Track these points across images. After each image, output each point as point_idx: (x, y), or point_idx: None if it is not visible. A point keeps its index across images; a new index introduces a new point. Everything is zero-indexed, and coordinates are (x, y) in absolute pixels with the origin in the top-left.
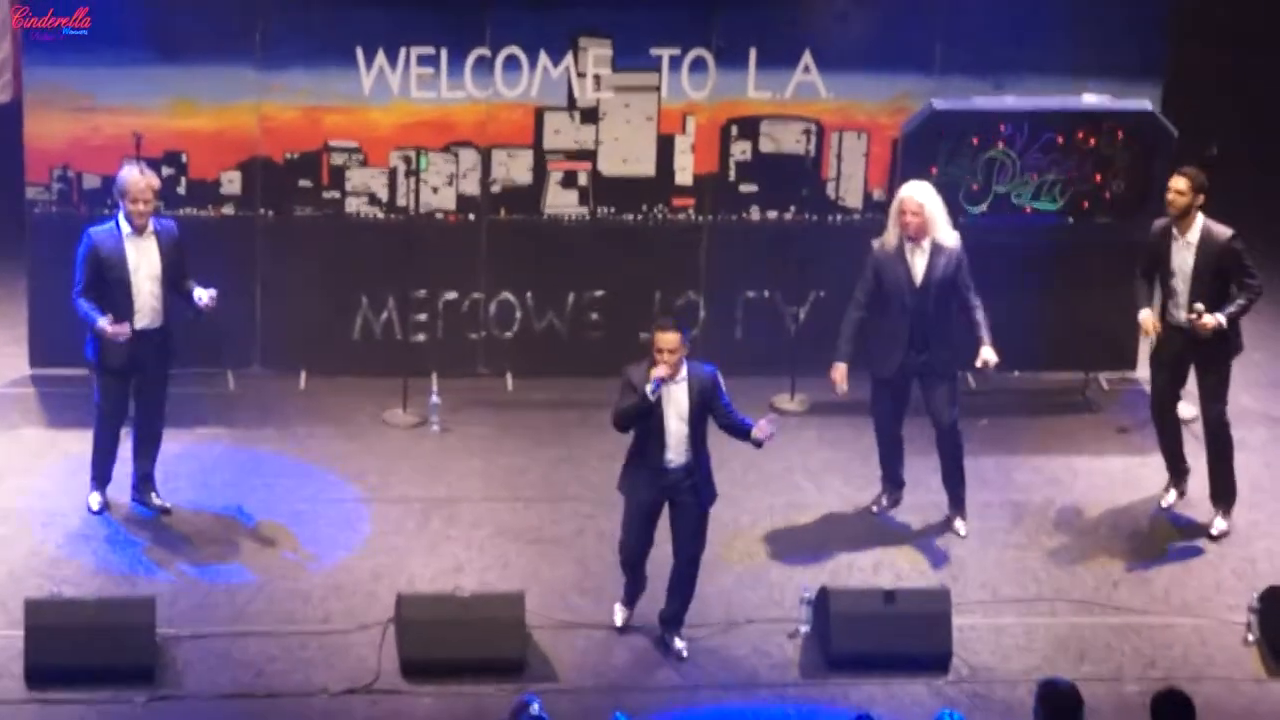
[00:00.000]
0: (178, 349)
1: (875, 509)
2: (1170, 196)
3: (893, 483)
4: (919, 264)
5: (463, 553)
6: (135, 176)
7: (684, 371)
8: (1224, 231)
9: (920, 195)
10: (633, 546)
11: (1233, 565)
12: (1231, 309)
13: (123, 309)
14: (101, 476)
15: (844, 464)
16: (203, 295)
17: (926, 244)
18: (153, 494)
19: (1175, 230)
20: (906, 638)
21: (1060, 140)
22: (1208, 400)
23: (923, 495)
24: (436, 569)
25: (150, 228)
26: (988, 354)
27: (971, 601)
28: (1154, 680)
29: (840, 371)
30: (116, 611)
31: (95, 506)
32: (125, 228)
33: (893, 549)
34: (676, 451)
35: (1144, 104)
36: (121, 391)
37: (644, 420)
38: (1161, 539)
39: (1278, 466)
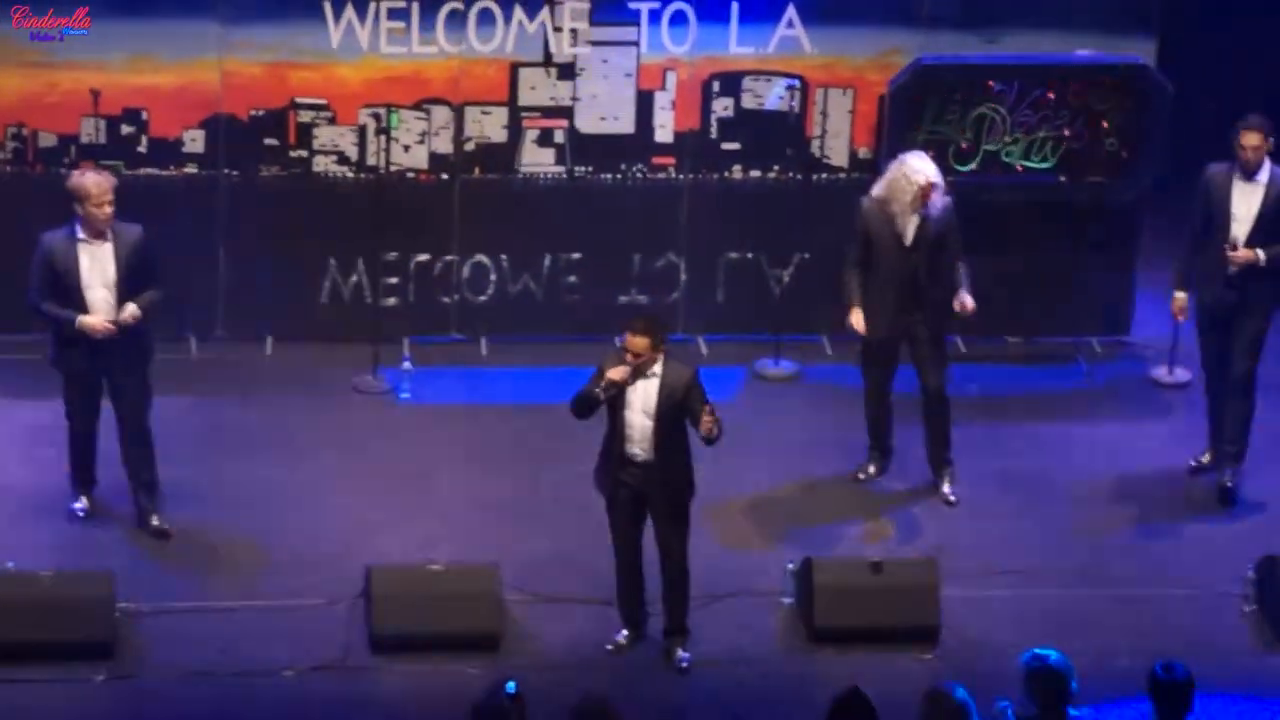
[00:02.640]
0: (151, 347)
1: (862, 476)
2: (1248, 155)
3: (880, 450)
4: (910, 224)
5: (435, 524)
6: (94, 179)
7: (659, 368)
8: None
9: (928, 169)
10: (617, 548)
11: (1228, 536)
12: (1276, 249)
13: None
14: (82, 480)
15: (829, 431)
16: (124, 314)
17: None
18: (152, 515)
19: (1242, 174)
20: (893, 609)
21: (1052, 96)
22: (1238, 355)
23: (911, 464)
24: (408, 541)
25: (107, 233)
26: (965, 299)
27: (960, 572)
28: (1147, 653)
29: (857, 315)
30: (74, 585)
31: (79, 511)
32: (81, 233)
33: (880, 518)
34: (641, 446)
35: (1138, 57)
36: (87, 396)
37: (594, 411)
38: (1155, 508)
39: (1273, 434)
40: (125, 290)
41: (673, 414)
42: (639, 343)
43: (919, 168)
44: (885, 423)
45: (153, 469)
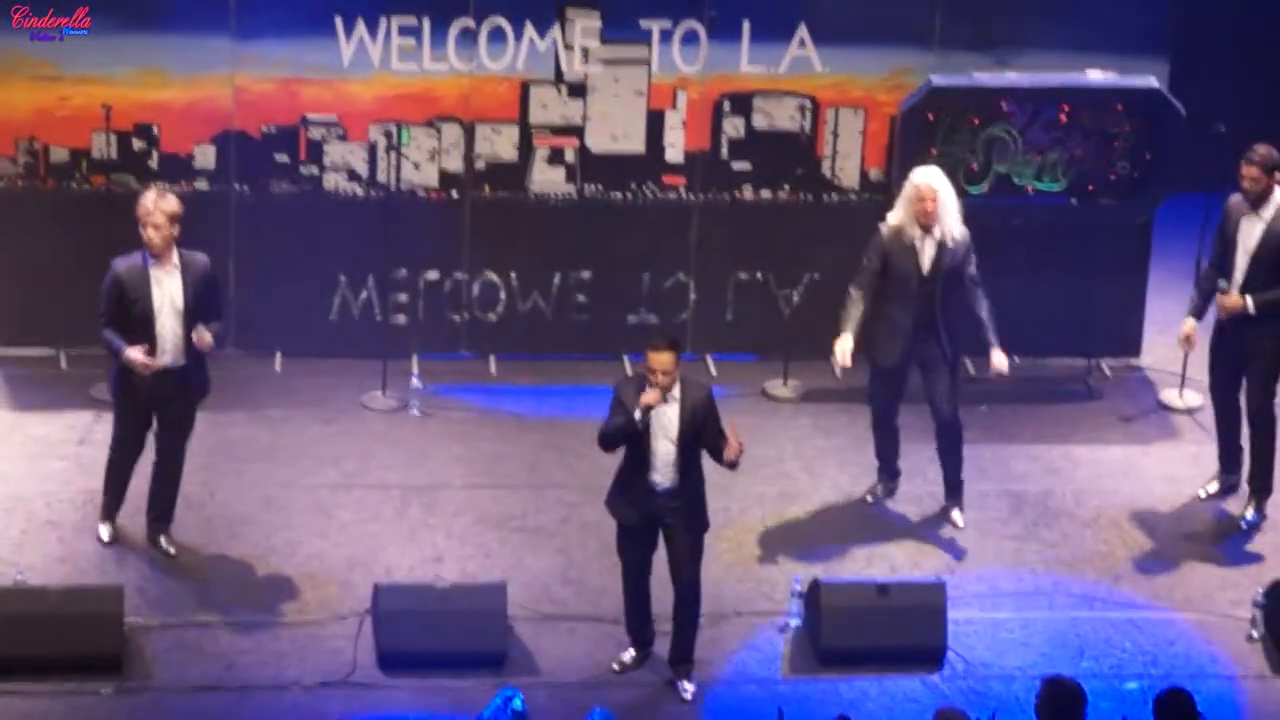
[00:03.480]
0: (206, 386)
1: (870, 498)
2: (1246, 186)
3: (888, 473)
4: (928, 252)
5: (443, 541)
6: (147, 198)
7: (677, 391)
8: None
9: (937, 182)
10: (626, 569)
11: (1236, 560)
12: (1267, 295)
13: (143, 345)
14: (111, 508)
15: (838, 452)
16: (201, 335)
17: (937, 232)
18: (163, 537)
19: (1249, 205)
20: (900, 632)
21: (1064, 119)
22: (1252, 392)
23: (919, 485)
24: (415, 558)
25: (174, 259)
26: (999, 360)
27: (968, 595)
28: (1154, 677)
29: (843, 345)
30: (83, 600)
31: (105, 538)
32: (150, 259)
33: (887, 540)
34: (663, 474)
35: (1150, 81)
36: (139, 427)
37: (626, 443)
38: (1164, 531)
39: None
40: (193, 318)
41: (694, 437)
42: (665, 359)
43: (918, 179)
44: (893, 446)
45: (175, 495)
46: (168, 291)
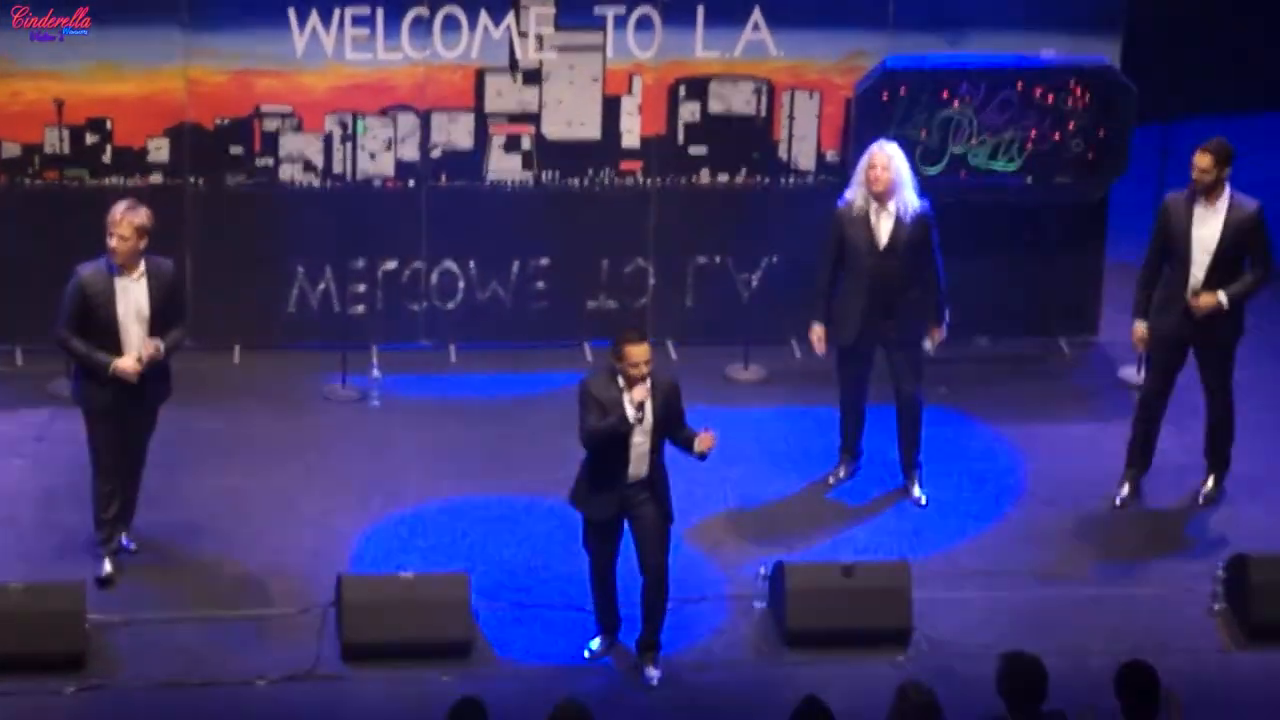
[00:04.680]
0: (171, 384)
1: (832, 480)
2: (1195, 175)
3: (850, 453)
4: (884, 226)
5: (406, 532)
6: (118, 207)
7: (647, 384)
8: (1250, 202)
9: (889, 151)
10: (595, 564)
11: (1196, 534)
12: (1236, 288)
13: (108, 352)
14: (110, 538)
15: (800, 435)
16: (152, 348)
17: (892, 206)
18: (124, 534)
19: (1201, 200)
20: (865, 612)
21: (1018, 98)
22: (1216, 380)
23: (881, 467)
24: (378, 549)
25: (141, 268)
26: (935, 334)
27: (932, 575)
28: (1119, 653)
29: (816, 333)
30: (44, 597)
31: (104, 575)
32: (115, 266)
33: (851, 521)
34: (637, 467)
35: (1103, 58)
36: (116, 436)
37: (613, 440)
38: (1124, 508)
39: (1241, 434)
40: (157, 325)
41: (665, 428)
42: (644, 350)
43: (872, 147)
44: (857, 427)
45: (137, 493)
46: (133, 299)
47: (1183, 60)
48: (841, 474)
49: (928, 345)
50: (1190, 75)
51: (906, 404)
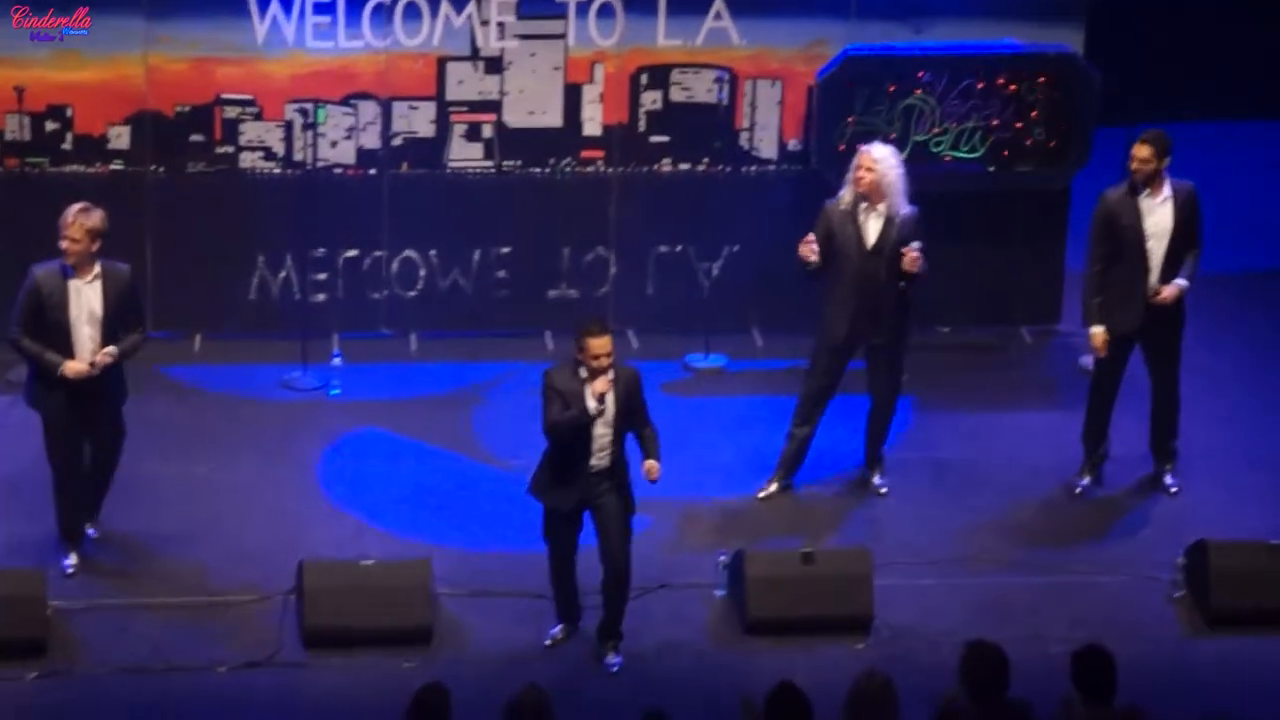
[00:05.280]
0: (125, 388)
1: (762, 495)
2: (1135, 166)
3: (787, 468)
4: (872, 227)
5: (366, 518)
6: (70, 210)
7: (610, 374)
8: (1187, 184)
9: (878, 153)
10: (555, 554)
11: (1157, 521)
12: (1189, 271)
13: (60, 353)
14: (70, 533)
15: (760, 423)
16: (103, 355)
17: (883, 208)
18: (88, 523)
19: (1140, 189)
20: (826, 600)
21: (980, 86)
22: (1165, 369)
23: (842, 454)
24: (339, 536)
25: (96, 270)
26: (913, 249)
27: (892, 562)
28: (1078, 640)
29: (808, 246)
30: (4, 583)
31: (70, 569)
32: (70, 268)
33: (811, 509)
34: (599, 458)
35: (1066, 46)
36: (68, 437)
37: (579, 432)
38: (1085, 496)
39: (1200, 420)
40: (110, 329)
41: (627, 420)
42: (604, 342)
43: (862, 148)
44: (808, 434)
45: (106, 491)
46: (86, 302)
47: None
48: (773, 489)
49: (904, 263)
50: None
51: (882, 405)
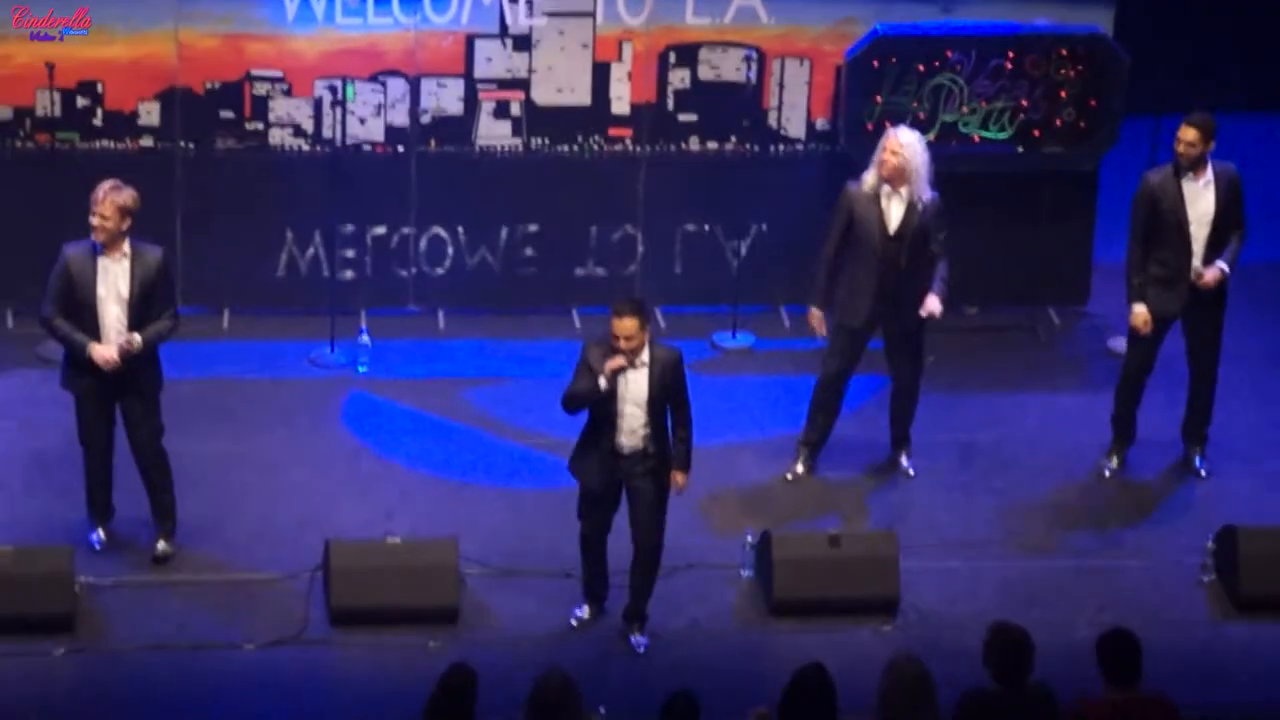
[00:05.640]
0: (159, 376)
1: (790, 477)
2: (1182, 149)
3: (811, 446)
4: (895, 212)
5: (393, 498)
6: (102, 186)
7: (646, 356)
8: (1229, 165)
9: (904, 137)
10: (586, 533)
11: (1186, 506)
12: (1231, 255)
13: (87, 332)
14: (97, 510)
15: (788, 403)
16: (130, 341)
17: (905, 192)
18: (159, 539)
19: (1185, 172)
20: (852, 582)
21: (1009, 66)
22: (1205, 354)
23: (870, 435)
24: (366, 515)
25: (125, 249)
26: (932, 303)
27: (919, 545)
28: (1105, 624)
29: (815, 317)
30: (33, 560)
31: (96, 544)
32: (99, 247)
33: (838, 491)
34: (630, 438)
35: (1096, 27)
36: (98, 419)
37: (584, 407)
38: (1113, 479)
39: (1228, 404)
40: (138, 311)
41: (663, 402)
42: (628, 325)
43: (889, 131)
44: (831, 415)
45: (168, 492)
46: (114, 281)
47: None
48: (800, 470)
49: (922, 312)
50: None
51: (903, 390)
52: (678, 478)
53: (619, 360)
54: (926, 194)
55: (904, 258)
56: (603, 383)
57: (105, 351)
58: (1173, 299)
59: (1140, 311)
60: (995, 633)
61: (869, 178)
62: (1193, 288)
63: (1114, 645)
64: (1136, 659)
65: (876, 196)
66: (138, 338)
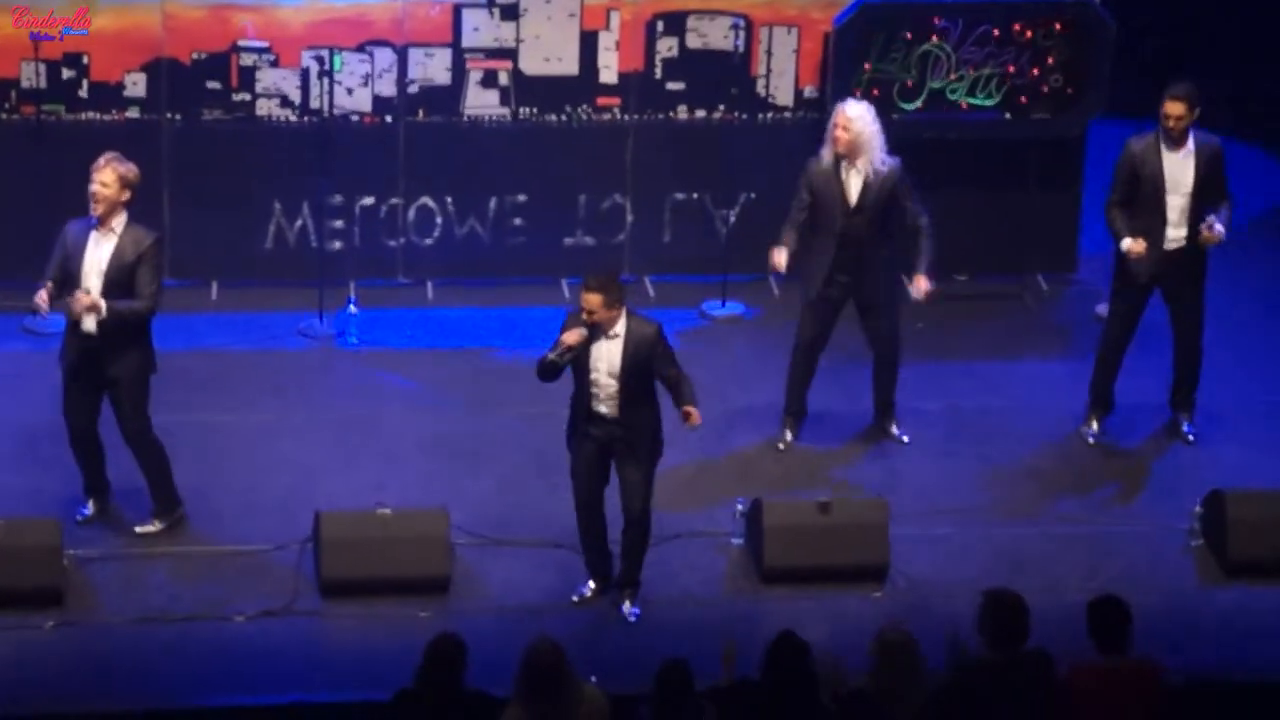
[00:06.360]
0: (146, 361)
1: (781, 446)
2: (1169, 124)
3: (795, 415)
4: (854, 184)
5: (383, 468)
6: (105, 155)
7: (620, 327)
8: (1212, 138)
9: (852, 111)
10: (578, 498)
11: (1174, 471)
12: (1224, 219)
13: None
14: (87, 485)
15: (777, 372)
16: (80, 298)
17: (862, 165)
18: (141, 525)
19: (1168, 143)
20: (843, 550)
21: (996, 33)
22: (1189, 320)
23: (857, 403)
24: (356, 485)
25: (117, 227)
26: (921, 285)
27: (909, 512)
28: (1095, 590)
29: (778, 253)
30: (21, 533)
31: (80, 518)
32: (95, 220)
33: (828, 458)
34: (607, 405)
35: None
36: (78, 400)
37: (558, 375)
38: (1101, 445)
39: (1213, 370)
40: (109, 286)
41: (638, 373)
42: (592, 300)
43: (837, 106)
44: (805, 384)
45: (154, 477)
46: (100, 256)
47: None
48: (789, 438)
49: (914, 293)
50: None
51: (881, 358)
52: (690, 411)
53: (574, 335)
54: (881, 162)
55: (866, 229)
56: (552, 354)
57: (80, 297)
58: (1146, 266)
59: (1131, 244)
60: (990, 599)
61: (825, 154)
62: (1166, 254)
63: (1103, 611)
64: (1126, 625)
65: (835, 171)
66: (102, 301)
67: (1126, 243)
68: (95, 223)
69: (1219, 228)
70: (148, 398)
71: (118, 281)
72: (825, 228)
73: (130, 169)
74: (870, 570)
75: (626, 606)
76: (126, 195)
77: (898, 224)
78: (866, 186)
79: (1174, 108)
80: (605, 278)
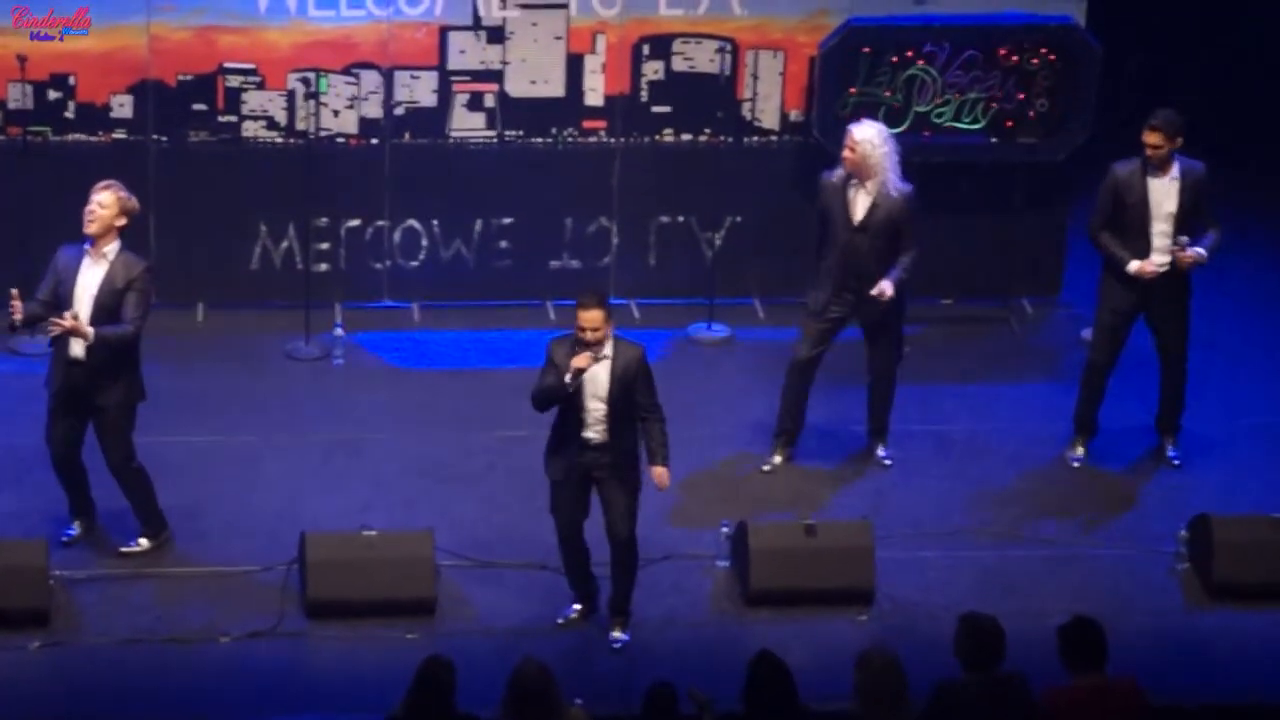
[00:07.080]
0: (133, 388)
1: (767, 468)
2: (1149, 154)
3: (787, 436)
4: (861, 202)
5: (369, 490)
6: (102, 182)
7: (609, 349)
8: (1198, 165)
9: (860, 133)
10: (560, 527)
11: (1159, 494)
12: (1210, 243)
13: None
14: (72, 507)
15: (763, 394)
16: (65, 319)
17: (872, 186)
18: (127, 545)
19: (1152, 169)
20: (828, 572)
21: (982, 57)
22: (1174, 344)
23: (844, 425)
24: (341, 507)
25: (109, 253)
26: (883, 284)
27: (894, 534)
28: (1080, 613)
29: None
30: (7, 553)
31: (65, 538)
32: (89, 245)
33: (814, 481)
34: (595, 431)
35: (1068, 17)
36: (59, 426)
37: (555, 403)
38: (1087, 468)
39: (1200, 393)
40: (99, 311)
41: (625, 395)
42: (594, 316)
43: (850, 126)
44: (797, 404)
45: (136, 502)
46: (89, 281)
47: None
48: (777, 460)
49: (873, 290)
50: None
51: (879, 379)
52: (661, 474)
53: (585, 359)
54: (894, 187)
55: (868, 248)
56: (567, 379)
57: (57, 321)
58: (1129, 291)
59: (1138, 265)
60: (965, 623)
61: (839, 170)
62: (1148, 283)
63: (1076, 633)
64: (1101, 644)
65: (844, 187)
66: (90, 330)
67: (1134, 265)
68: (88, 247)
69: (1196, 249)
70: (132, 427)
71: (107, 307)
72: (833, 242)
73: (132, 199)
74: (856, 593)
75: (615, 633)
76: (123, 221)
77: (899, 248)
78: (874, 207)
79: (1151, 137)
80: (600, 294)
